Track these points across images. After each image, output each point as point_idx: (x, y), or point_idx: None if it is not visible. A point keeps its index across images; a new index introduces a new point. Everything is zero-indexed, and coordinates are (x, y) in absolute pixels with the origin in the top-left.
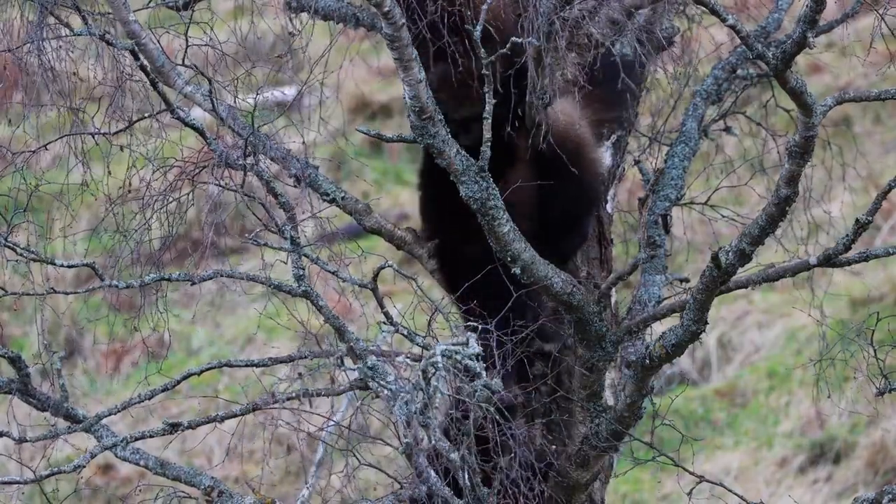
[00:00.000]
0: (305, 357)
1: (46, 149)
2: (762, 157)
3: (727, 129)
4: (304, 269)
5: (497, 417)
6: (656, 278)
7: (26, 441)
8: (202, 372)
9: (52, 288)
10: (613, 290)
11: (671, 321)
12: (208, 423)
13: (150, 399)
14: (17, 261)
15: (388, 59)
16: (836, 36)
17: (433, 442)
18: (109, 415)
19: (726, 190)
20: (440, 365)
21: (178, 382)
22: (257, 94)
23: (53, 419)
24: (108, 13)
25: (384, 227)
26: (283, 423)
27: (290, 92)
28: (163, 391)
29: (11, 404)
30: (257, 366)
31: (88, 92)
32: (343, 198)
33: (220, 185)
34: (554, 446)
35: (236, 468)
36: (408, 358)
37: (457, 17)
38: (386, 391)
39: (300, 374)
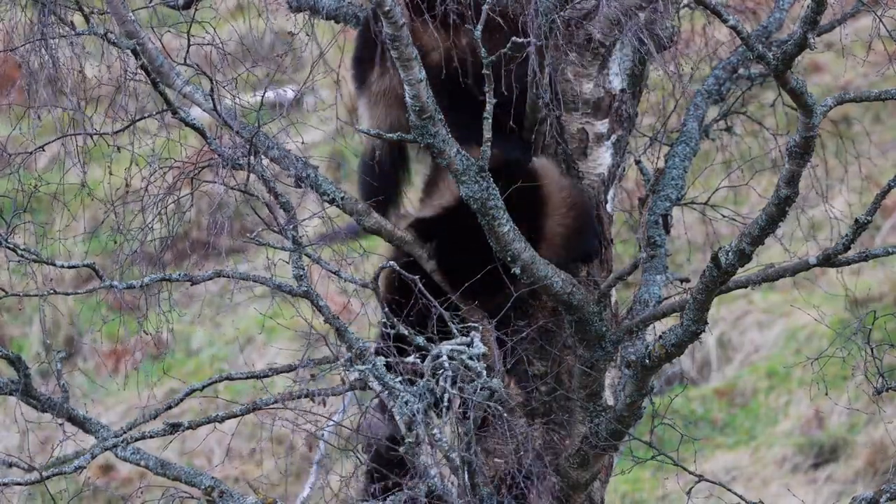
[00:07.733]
0: (306, 367)
1: (43, 150)
2: (764, 156)
3: (728, 129)
4: (304, 269)
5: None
6: (656, 278)
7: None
8: (205, 387)
9: (52, 289)
10: (613, 290)
11: (671, 321)
12: (208, 423)
13: (154, 418)
14: (18, 261)
15: None
16: (836, 36)
17: (432, 441)
18: (117, 438)
19: (727, 189)
20: (447, 364)
21: (182, 399)
22: (259, 93)
23: (55, 419)
24: (108, 12)
25: (384, 227)
26: (284, 423)
27: (290, 92)
28: (167, 409)
29: (18, 403)
30: (259, 377)
31: (88, 92)
32: (343, 198)
33: (224, 185)
34: (548, 456)
35: (236, 468)
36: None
37: None
38: (386, 391)
39: (296, 380)
